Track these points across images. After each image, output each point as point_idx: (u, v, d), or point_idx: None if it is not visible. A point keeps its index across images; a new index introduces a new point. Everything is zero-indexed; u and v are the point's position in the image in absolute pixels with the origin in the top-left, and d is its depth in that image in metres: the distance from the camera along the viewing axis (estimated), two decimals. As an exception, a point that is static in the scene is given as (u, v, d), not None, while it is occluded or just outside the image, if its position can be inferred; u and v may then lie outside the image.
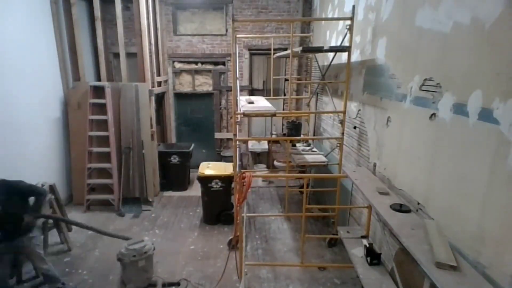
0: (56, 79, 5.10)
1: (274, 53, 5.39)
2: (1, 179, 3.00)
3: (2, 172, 3.88)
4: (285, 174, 5.16)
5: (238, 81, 4.53)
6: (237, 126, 3.83)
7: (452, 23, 2.17)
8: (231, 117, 6.94)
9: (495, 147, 1.77)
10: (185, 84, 7.11)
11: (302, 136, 5.20)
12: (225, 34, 6.71)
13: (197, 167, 4.99)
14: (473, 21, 1.97)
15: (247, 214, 4.63)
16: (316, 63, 5.46)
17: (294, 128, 4.85)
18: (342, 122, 3.94)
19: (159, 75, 6.28)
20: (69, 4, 5.16)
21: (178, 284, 3.48)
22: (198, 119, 7.32)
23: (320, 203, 5.34)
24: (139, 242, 3.35)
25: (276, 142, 6.89)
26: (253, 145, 6.82)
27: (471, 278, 1.76)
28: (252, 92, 6.99)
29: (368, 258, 2.95)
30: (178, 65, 6.97)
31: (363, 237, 3.29)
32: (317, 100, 5.80)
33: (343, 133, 3.95)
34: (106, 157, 5.19)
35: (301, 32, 6.57)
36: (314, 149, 4.95)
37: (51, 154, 4.97)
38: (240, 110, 3.76)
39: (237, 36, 4.98)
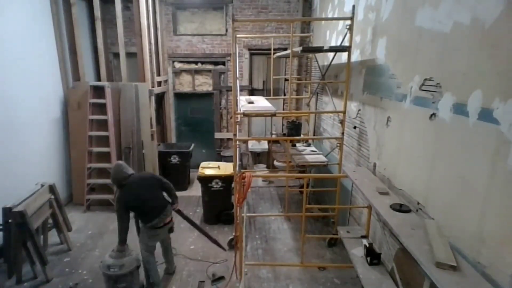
0: (56, 79, 5.10)
1: (274, 53, 5.38)
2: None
3: (2, 172, 3.91)
4: (285, 174, 5.16)
5: (238, 81, 4.53)
6: (237, 126, 3.82)
7: (452, 23, 2.17)
8: (231, 117, 6.94)
9: (495, 147, 1.77)
10: (185, 84, 7.11)
11: (302, 136, 5.20)
12: (225, 34, 6.71)
13: (197, 167, 4.99)
14: (473, 21, 1.97)
15: (247, 214, 4.64)
16: (316, 63, 5.46)
17: (294, 128, 4.84)
18: (342, 122, 3.94)
19: (159, 75, 6.28)
20: (69, 4, 5.16)
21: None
22: (198, 119, 7.32)
23: (320, 203, 5.34)
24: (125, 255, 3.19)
25: (276, 142, 6.89)
26: (253, 145, 6.82)
27: (471, 278, 1.76)
28: (252, 92, 6.99)
29: (368, 258, 2.95)
30: (178, 65, 6.97)
31: (363, 237, 3.29)
32: (317, 100, 5.80)
33: (343, 133, 3.96)
34: (106, 157, 5.19)
35: (301, 32, 6.57)
36: (314, 149, 4.95)
37: (51, 154, 4.97)
38: (240, 110, 3.76)
39: (237, 36, 4.98)
